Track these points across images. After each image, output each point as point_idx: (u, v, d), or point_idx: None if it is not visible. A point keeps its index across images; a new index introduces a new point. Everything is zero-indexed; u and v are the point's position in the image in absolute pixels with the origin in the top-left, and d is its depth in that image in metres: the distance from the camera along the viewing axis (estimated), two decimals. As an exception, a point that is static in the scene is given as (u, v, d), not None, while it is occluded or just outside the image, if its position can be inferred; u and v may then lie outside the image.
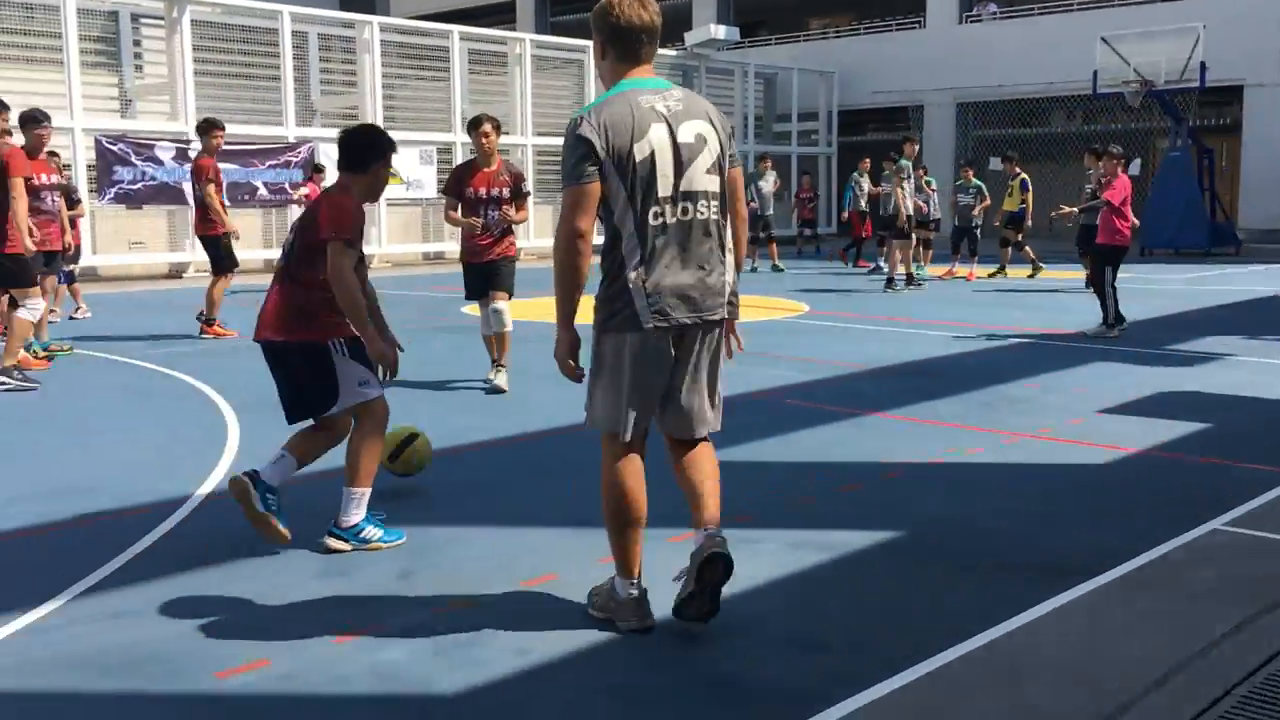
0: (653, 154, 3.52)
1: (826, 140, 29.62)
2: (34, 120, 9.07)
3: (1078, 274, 16.06)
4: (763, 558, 4.29)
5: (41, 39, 18.54)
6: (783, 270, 19.08)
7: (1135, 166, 19.14)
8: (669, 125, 3.54)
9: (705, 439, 3.78)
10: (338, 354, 4.42)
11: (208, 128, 10.96)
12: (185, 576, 4.15)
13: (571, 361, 3.62)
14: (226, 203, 11.23)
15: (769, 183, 19.80)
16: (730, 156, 3.73)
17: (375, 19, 21.22)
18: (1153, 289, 15.47)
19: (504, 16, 36.21)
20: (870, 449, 6.16)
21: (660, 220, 3.54)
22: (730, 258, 3.71)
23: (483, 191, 7.84)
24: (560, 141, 4.00)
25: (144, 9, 20.39)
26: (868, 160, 20.44)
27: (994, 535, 4.62)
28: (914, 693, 3.13)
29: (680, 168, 3.55)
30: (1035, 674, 3.26)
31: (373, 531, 4.48)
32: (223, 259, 10.91)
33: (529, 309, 11.61)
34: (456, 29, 21.97)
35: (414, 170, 19.78)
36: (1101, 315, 10.72)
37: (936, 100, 28.71)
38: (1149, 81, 21.69)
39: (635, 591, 3.63)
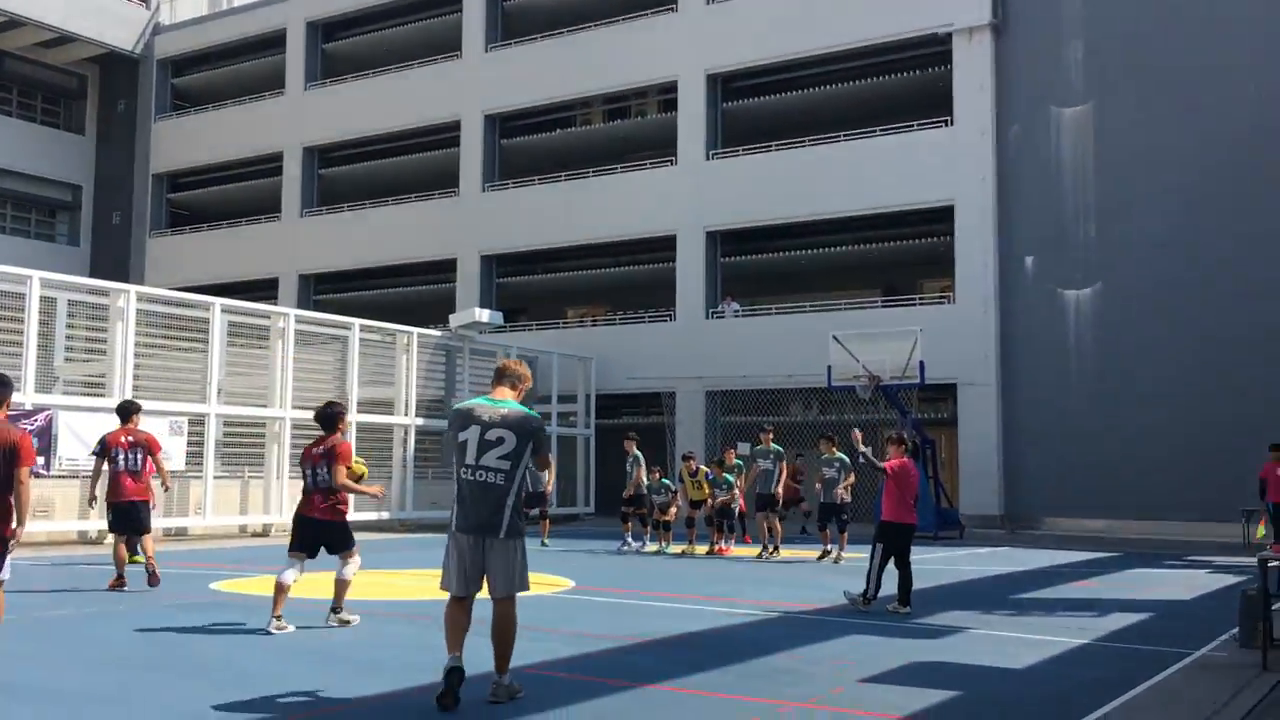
0: (467, 440, 6.46)
1: (585, 422, 30.53)
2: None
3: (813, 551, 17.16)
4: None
5: None
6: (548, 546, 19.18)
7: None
8: (482, 426, 6.45)
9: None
10: None
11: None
12: None
13: None
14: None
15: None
16: (534, 447, 6.50)
17: (132, 289, 20.84)
18: (890, 568, 16.39)
19: (266, 292, 36.28)
20: (648, 722, 6.16)
21: (468, 477, 6.45)
22: (508, 510, 6.42)
23: None
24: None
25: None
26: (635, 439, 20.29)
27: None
28: None
29: (481, 451, 6.42)
30: None
31: None
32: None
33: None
34: (218, 301, 21.81)
35: (165, 440, 18.95)
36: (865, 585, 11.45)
37: (687, 388, 30.34)
38: (876, 377, 23.80)
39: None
